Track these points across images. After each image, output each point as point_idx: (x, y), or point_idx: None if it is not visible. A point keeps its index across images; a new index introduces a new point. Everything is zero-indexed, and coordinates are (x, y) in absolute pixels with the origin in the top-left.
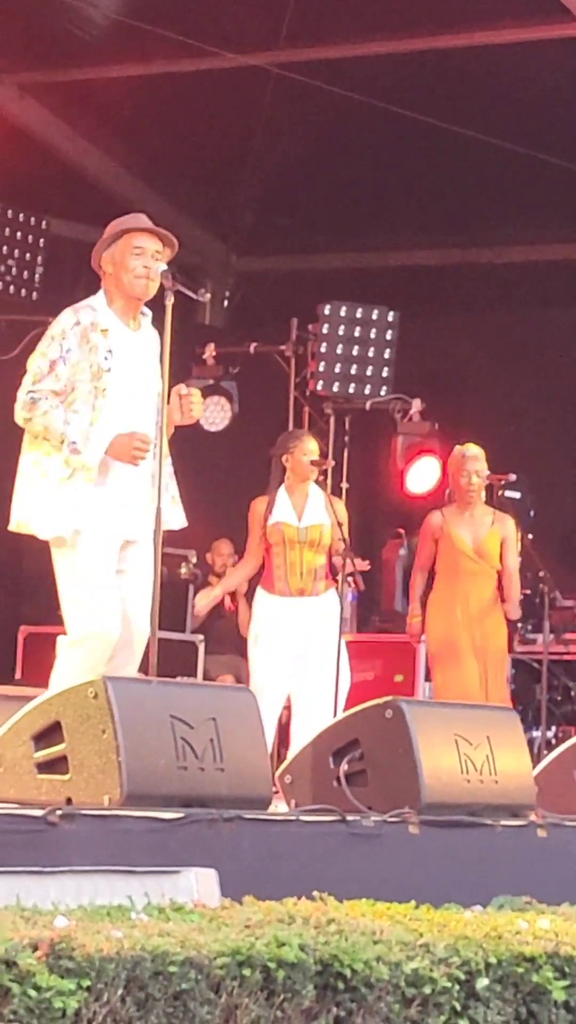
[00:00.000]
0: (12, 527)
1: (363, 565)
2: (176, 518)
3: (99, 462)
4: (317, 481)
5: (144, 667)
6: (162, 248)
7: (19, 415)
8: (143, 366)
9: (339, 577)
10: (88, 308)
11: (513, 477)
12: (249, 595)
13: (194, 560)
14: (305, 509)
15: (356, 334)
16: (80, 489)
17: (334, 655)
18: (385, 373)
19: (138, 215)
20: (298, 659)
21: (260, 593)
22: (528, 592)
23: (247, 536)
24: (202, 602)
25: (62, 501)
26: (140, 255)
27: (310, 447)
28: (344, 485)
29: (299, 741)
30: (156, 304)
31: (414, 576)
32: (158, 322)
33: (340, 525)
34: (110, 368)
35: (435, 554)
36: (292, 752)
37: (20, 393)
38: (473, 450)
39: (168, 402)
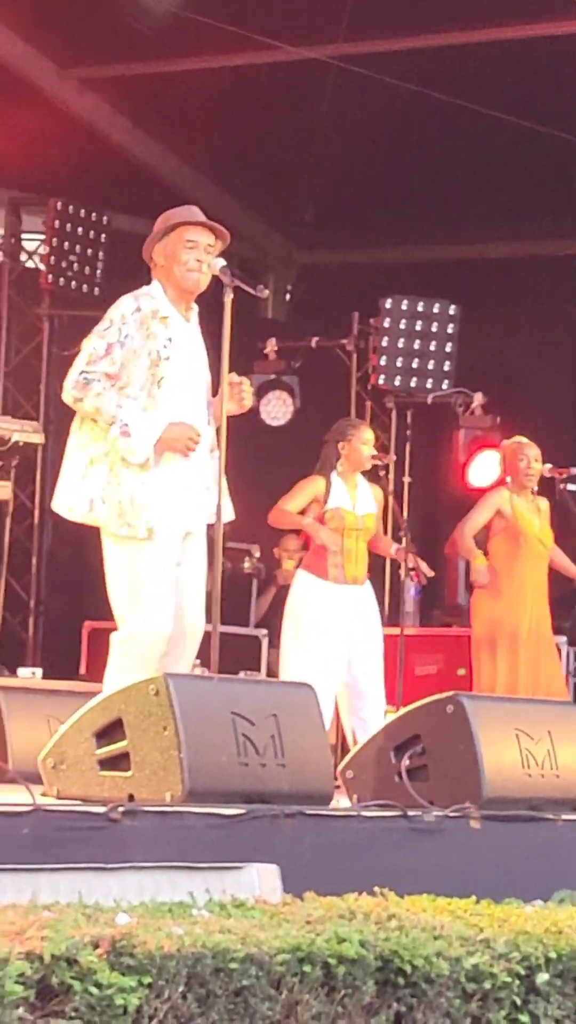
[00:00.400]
0: (64, 513)
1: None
2: (226, 510)
3: (149, 451)
4: (380, 474)
5: (206, 662)
6: (214, 241)
7: (68, 394)
8: (195, 358)
9: (400, 570)
10: (148, 296)
11: (575, 470)
12: None
13: (257, 554)
14: (359, 497)
15: (418, 328)
16: (138, 479)
17: (379, 645)
18: (447, 367)
19: (190, 207)
20: (349, 648)
21: (312, 580)
22: None
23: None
24: (328, 536)
25: (122, 491)
26: (193, 248)
27: (368, 436)
28: (406, 479)
29: (371, 729)
30: (215, 300)
31: (462, 532)
32: (213, 314)
33: (397, 513)
34: (169, 356)
35: (489, 529)
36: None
37: (72, 372)
38: (525, 439)
39: (218, 392)
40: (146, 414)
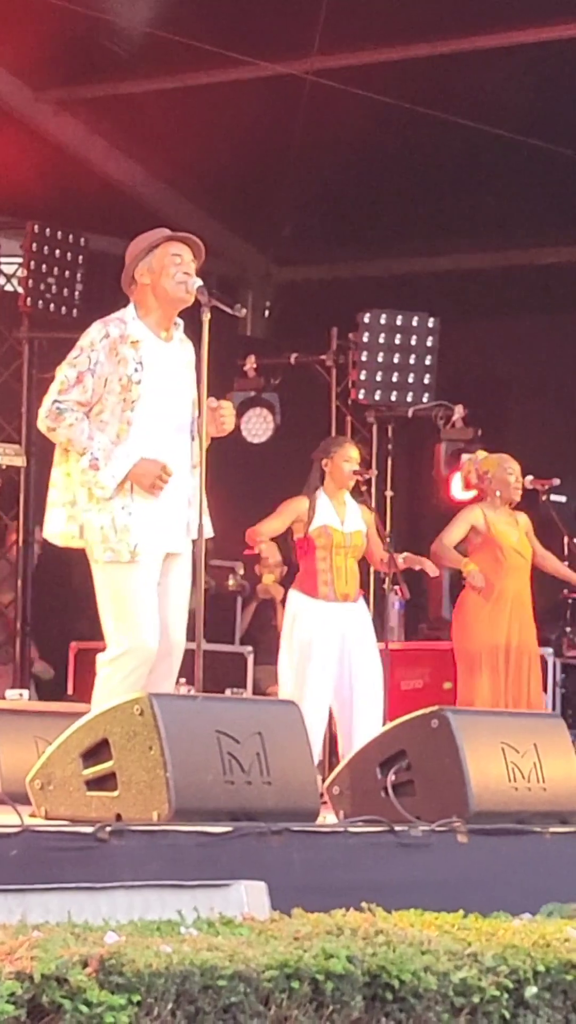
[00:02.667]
0: (57, 540)
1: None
2: (204, 527)
3: (117, 484)
4: (361, 489)
5: (191, 680)
6: (193, 257)
7: (42, 423)
8: (175, 377)
9: (385, 585)
10: (118, 321)
11: (557, 482)
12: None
13: (241, 572)
14: (346, 515)
15: (397, 341)
16: (118, 503)
17: (376, 660)
18: (427, 380)
19: (160, 229)
20: (343, 665)
21: (302, 598)
22: None
23: (265, 517)
24: (268, 578)
25: (103, 517)
26: (180, 263)
27: (352, 454)
28: (388, 493)
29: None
30: (193, 320)
31: (443, 544)
32: (191, 332)
33: (378, 530)
34: (140, 380)
35: (467, 543)
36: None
37: (46, 401)
38: (504, 455)
39: (201, 415)
40: (118, 445)
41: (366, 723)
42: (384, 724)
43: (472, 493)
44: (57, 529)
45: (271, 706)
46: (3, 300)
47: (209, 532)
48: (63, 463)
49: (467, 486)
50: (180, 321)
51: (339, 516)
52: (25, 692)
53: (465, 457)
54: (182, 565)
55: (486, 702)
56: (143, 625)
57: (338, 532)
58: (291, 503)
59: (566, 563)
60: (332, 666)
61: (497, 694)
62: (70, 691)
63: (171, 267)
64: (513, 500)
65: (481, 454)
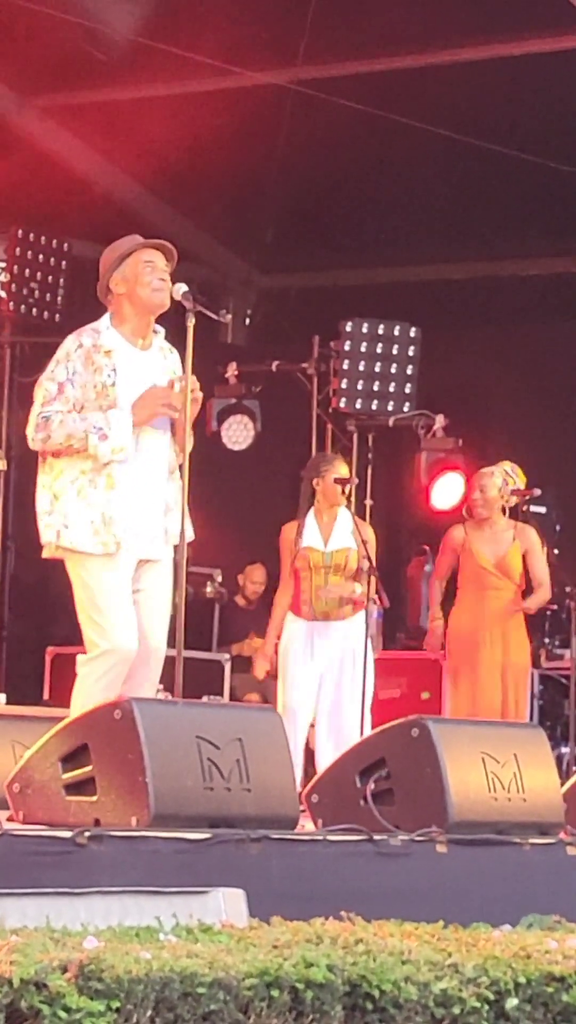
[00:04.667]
0: (45, 554)
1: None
2: (186, 530)
3: (131, 441)
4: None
5: (170, 687)
6: (167, 263)
7: (35, 441)
8: (152, 382)
9: (365, 596)
10: (91, 331)
11: (538, 492)
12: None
13: (219, 579)
14: (332, 533)
15: (378, 350)
16: (104, 497)
17: (359, 677)
18: (408, 389)
19: (132, 236)
20: (325, 682)
21: (289, 616)
22: (555, 607)
23: (280, 563)
24: (261, 668)
25: (92, 511)
26: (153, 269)
27: (343, 471)
28: (368, 502)
29: (325, 762)
30: (177, 325)
31: (432, 584)
32: (174, 338)
33: (365, 543)
34: (115, 383)
35: (455, 567)
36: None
37: (31, 419)
38: (489, 469)
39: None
40: (112, 412)
41: (342, 737)
42: (363, 734)
43: (454, 503)
44: (43, 540)
45: (251, 713)
46: None
47: (190, 535)
48: (43, 474)
49: (500, 496)
50: (160, 329)
51: (323, 536)
52: (2, 696)
53: (508, 467)
54: (161, 572)
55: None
56: (120, 625)
57: (316, 553)
58: (284, 536)
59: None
60: (312, 682)
61: (473, 710)
62: (46, 696)
63: (145, 275)
64: (472, 515)
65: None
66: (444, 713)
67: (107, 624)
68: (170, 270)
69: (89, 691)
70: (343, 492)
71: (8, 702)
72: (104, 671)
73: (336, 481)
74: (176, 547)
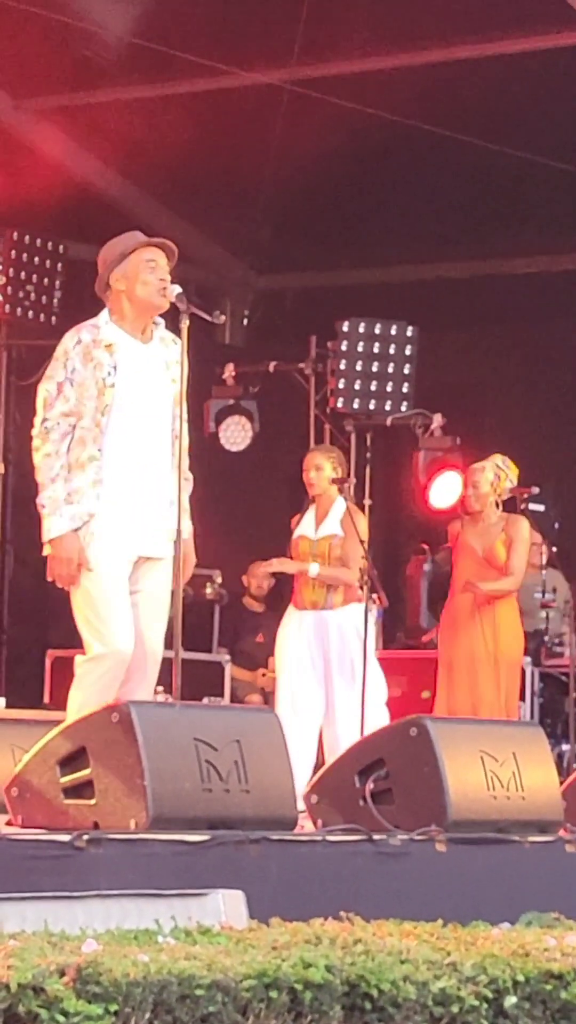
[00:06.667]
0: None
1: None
2: (184, 526)
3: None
4: (344, 496)
5: (169, 688)
6: (167, 261)
7: (34, 443)
8: (153, 377)
9: (363, 593)
10: (90, 327)
11: (536, 490)
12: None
13: (219, 580)
14: (324, 521)
15: (376, 350)
16: (91, 507)
17: (354, 670)
18: (405, 389)
19: (133, 232)
20: (321, 673)
21: (289, 609)
22: (555, 604)
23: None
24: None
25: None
26: (154, 268)
27: (312, 462)
28: (367, 502)
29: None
30: (172, 327)
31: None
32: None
33: (363, 543)
34: (114, 383)
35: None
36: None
37: (36, 421)
38: (480, 464)
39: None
40: (88, 466)
41: (340, 733)
42: (362, 733)
43: (452, 502)
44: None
45: (249, 714)
46: None
47: (189, 529)
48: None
49: (492, 491)
50: (160, 320)
51: (315, 524)
52: (2, 700)
53: (481, 465)
54: (162, 571)
55: (454, 710)
56: (117, 629)
57: (305, 540)
58: (292, 527)
59: (543, 570)
60: (307, 672)
61: (453, 704)
62: (46, 700)
63: (146, 273)
64: (465, 511)
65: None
66: (435, 707)
67: (104, 627)
68: (170, 268)
69: (86, 692)
70: (339, 491)
71: (8, 705)
72: (101, 673)
73: (332, 481)
74: (175, 543)
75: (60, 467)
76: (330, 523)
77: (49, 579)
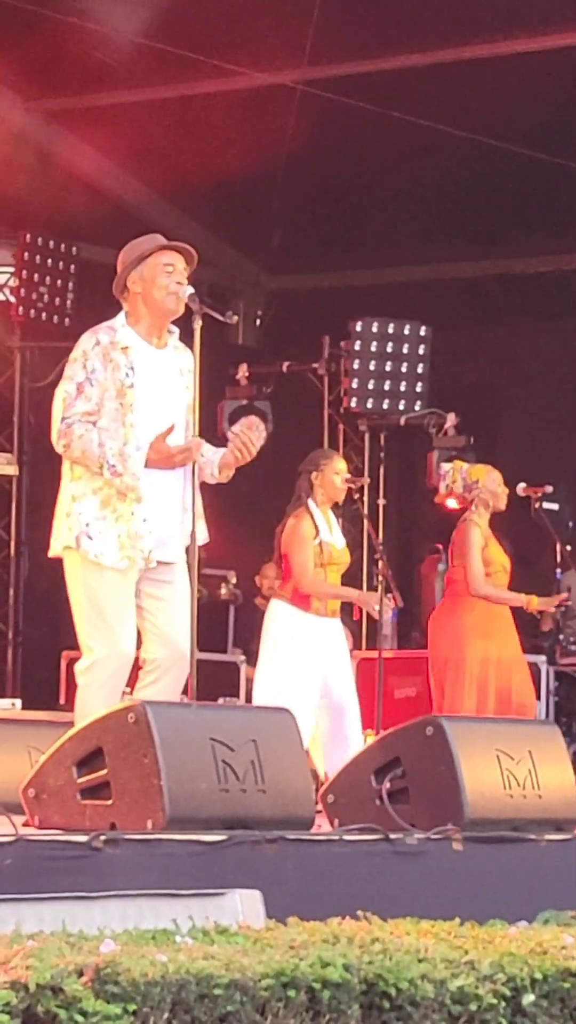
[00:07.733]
0: (53, 552)
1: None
2: (200, 532)
3: (142, 477)
4: (354, 497)
5: (185, 689)
6: (185, 265)
7: (57, 445)
8: (168, 383)
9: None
10: (107, 328)
11: (550, 489)
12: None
13: (234, 580)
14: (335, 530)
15: (389, 350)
16: (128, 511)
17: (352, 675)
18: (419, 388)
19: (154, 235)
20: (328, 675)
21: (294, 612)
22: (569, 604)
23: (289, 554)
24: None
25: (119, 526)
26: (172, 272)
27: (340, 466)
28: (381, 501)
29: (353, 747)
30: (185, 327)
31: (489, 587)
32: (183, 341)
33: (378, 546)
34: (133, 384)
35: (452, 556)
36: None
37: (54, 422)
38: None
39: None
40: (126, 447)
41: (351, 723)
42: (378, 732)
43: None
44: (55, 542)
45: (265, 714)
46: None
47: (205, 536)
48: (68, 474)
49: (449, 495)
50: (175, 328)
51: (331, 532)
52: (18, 701)
53: (447, 466)
54: (180, 574)
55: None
56: (121, 631)
57: (336, 549)
58: (301, 530)
59: (559, 570)
60: (318, 678)
61: (485, 705)
62: (62, 700)
63: (162, 277)
64: (501, 509)
65: (463, 463)
66: (434, 707)
67: (109, 631)
68: (188, 273)
69: (92, 702)
70: (351, 490)
71: (24, 707)
72: (106, 679)
73: (346, 481)
74: (187, 548)
75: (99, 436)
76: (338, 531)
77: (182, 464)
